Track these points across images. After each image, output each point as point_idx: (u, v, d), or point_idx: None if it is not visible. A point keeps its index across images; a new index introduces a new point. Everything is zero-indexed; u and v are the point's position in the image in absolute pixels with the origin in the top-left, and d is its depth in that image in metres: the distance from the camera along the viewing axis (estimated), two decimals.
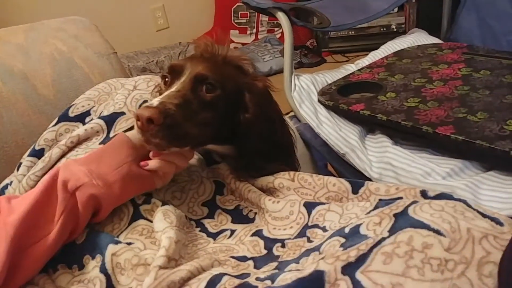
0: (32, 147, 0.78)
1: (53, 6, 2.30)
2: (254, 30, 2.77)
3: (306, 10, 1.36)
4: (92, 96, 0.83)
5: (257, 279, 0.49)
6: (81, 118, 0.80)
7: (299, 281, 0.44)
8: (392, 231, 0.45)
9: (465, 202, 0.48)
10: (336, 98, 1.12)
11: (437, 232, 0.43)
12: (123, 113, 0.77)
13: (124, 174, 0.60)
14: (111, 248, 0.56)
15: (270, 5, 1.19)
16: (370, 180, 0.96)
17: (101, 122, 0.76)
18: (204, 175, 0.72)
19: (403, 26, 2.34)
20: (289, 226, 0.61)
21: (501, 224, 0.45)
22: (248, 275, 0.52)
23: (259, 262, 0.57)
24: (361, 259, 0.43)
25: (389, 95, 1.09)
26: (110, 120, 0.77)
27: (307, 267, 0.47)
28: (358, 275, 0.42)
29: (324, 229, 0.57)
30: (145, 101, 0.79)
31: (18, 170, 0.76)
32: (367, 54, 1.43)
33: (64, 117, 0.80)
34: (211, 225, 0.66)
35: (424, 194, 0.54)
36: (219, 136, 0.68)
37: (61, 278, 0.57)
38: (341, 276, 0.43)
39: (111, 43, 1.11)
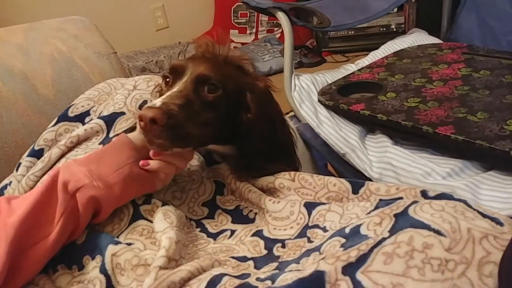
0: (31, 147, 0.78)
1: (53, 6, 2.30)
2: (254, 30, 2.76)
3: (306, 10, 1.36)
4: (92, 96, 0.83)
5: (258, 279, 0.49)
6: (81, 118, 0.80)
7: (300, 281, 0.44)
8: (393, 231, 0.45)
9: (465, 202, 0.48)
10: (336, 98, 1.12)
11: (438, 232, 0.43)
12: (123, 113, 0.77)
13: (125, 176, 0.60)
14: (111, 249, 0.56)
15: (270, 5, 1.19)
16: (370, 180, 0.96)
17: (101, 122, 0.76)
18: (205, 175, 0.72)
19: (403, 26, 2.34)
20: (290, 226, 0.61)
21: (501, 224, 0.45)
22: (248, 275, 0.52)
23: (259, 262, 0.57)
24: (362, 259, 0.43)
25: (389, 95, 1.09)
26: (110, 120, 0.77)
27: (308, 267, 0.47)
28: (359, 275, 0.42)
29: (324, 229, 0.57)
30: (145, 101, 0.79)
31: (17, 170, 0.76)
32: (367, 54, 1.43)
33: (64, 117, 0.80)
34: (211, 225, 0.66)
35: (424, 194, 0.54)
36: (220, 136, 0.68)
37: (61, 278, 0.57)
38: (342, 276, 0.43)
39: (111, 43, 1.11)
